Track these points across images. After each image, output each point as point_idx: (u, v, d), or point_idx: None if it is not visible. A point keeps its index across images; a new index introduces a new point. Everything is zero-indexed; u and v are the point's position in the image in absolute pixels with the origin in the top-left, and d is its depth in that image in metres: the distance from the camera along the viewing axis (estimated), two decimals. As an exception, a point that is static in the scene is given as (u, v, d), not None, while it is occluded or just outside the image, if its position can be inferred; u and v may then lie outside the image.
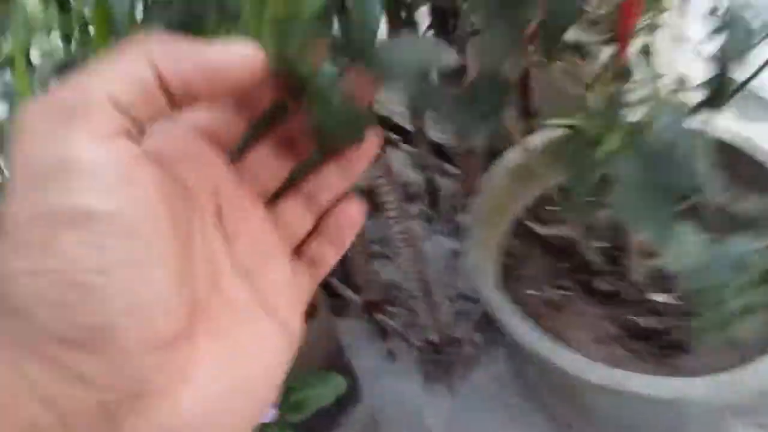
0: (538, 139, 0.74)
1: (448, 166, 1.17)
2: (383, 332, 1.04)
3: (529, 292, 0.78)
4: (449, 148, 1.19)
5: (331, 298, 1.04)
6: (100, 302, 0.18)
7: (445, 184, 1.23)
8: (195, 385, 0.21)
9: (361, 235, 0.92)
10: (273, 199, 0.28)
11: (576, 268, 0.80)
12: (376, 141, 0.29)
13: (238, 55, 0.22)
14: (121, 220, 0.19)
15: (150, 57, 0.20)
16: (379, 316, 1.02)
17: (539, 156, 0.73)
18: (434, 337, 0.94)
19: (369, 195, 1.28)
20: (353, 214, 0.29)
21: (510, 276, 0.80)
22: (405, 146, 1.22)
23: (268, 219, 0.27)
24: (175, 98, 0.21)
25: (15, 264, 0.18)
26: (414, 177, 1.21)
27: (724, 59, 0.39)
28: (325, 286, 0.93)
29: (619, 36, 0.44)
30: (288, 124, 0.28)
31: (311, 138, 0.28)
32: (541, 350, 0.63)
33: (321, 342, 0.95)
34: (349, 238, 0.30)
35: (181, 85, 0.21)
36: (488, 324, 1.01)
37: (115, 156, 0.19)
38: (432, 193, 1.19)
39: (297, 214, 0.28)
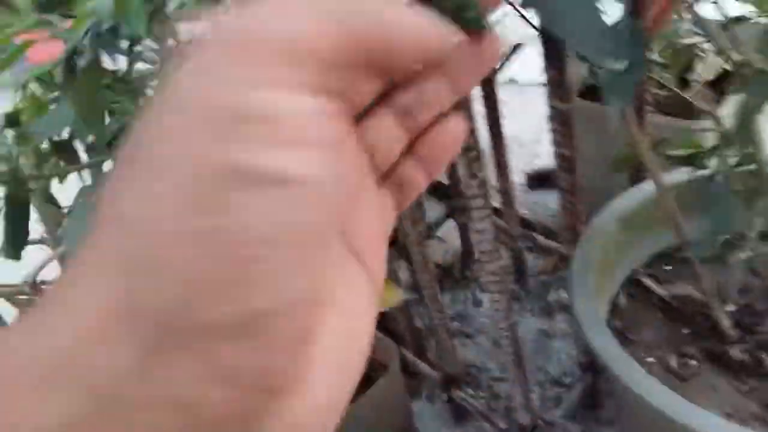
0: (665, 179, 0.65)
1: (539, 239, 1.08)
2: (459, 415, 0.92)
3: (647, 359, 0.66)
4: (539, 222, 1.12)
5: (404, 375, 0.94)
6: (267, 284, 0.15)
7: (533, 262, 1.15)
8: (321, 374, 0.18)
9: (441, 310, 0.84)
10: (362, 116, 0.22)
11: (702, 333, 0.68)
12: (496, 45, 0.22)
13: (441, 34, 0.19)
14: (319, 191, 0.16)
15: (339, 22, 0.17)
16: (459, 394, 0.90)
17: (660, 201, 0.64)
18: (524, 420, 0.82)
19: (448, 270, 1.21)
20: (455, 132, 0.24)
21: (623, 341, 0.69)
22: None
23: (356, 141, 0.22)
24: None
25: (172, 225, 0.15)
26: (502, 253, 1.13)
27: None
28: (400, 362, 0.84)
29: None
30: None
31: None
32: (673, 410, 0.51)
33: (392, 418, 0.84)
34: (445, 162, 0.24)
35: (384, 49, 0.18)
36: (583, 410, 0.88)
37: (325, 116, 0.16)
38: (520, 269, 1.10)
39: (389, 134, 0.23)
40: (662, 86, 1.00)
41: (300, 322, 0.16)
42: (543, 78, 0.63)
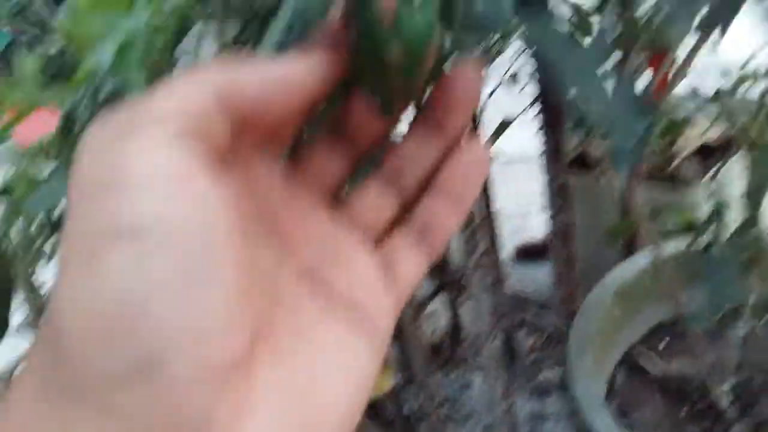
0: (662, 251, 0.64)
1: (529, 315, 1.07)
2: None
3: (646, 439, 0.64)
4: (529, 297, 1.11)
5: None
6: (147, 327, 0.16)
7: (524, 339, 1.13)
8: (259, 421, 0.18)
9: (432, 396, 0.81)
10: (343, 190, 0.25)
11: (701, 412, 0.66)
12: (474, 76, 0.23)
13: (304, 66, 0.21)
14: (172, 232, 0.17)
15: (213, 79, 0.19)
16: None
17: (657, 273, 0.64)
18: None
19: (437, 349, 1.19)
20: (475, 160, 0.24)
21: (623, 421, 0.67)
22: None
23: (334, 217, 0.24)
24: (245, 120, 0.20)
25: (62, 288, 0.17)
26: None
27: None
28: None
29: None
30: (347, 108, 0.24)
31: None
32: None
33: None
34: (473, 194, 0.24)
35: (251, 103, 0.20)
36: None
37: (172, 161, 0.17)
38: (511, 346, 1.08)
39: (373, 202, 0.24)
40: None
41: (192, 361, 0.16)
42: (530, 152, 0.64)
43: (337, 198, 0.25)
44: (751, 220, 0.39)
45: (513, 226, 1.50)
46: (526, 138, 0.62)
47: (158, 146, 0.18)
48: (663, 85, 0.41)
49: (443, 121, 0.24)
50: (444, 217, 0.24)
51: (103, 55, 0.26)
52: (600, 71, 0.29)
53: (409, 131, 0.24)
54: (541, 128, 0.61)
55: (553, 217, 0.64)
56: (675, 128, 0.63)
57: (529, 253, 1.36)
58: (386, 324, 0.23)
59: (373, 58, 0.22)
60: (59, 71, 0.47)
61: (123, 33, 0.26)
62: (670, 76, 0.42)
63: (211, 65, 0.20)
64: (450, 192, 0.24)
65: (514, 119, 0.85)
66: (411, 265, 0.24)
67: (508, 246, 1.40)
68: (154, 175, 0.17)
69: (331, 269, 0.23)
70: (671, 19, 0.31)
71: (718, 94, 0.46)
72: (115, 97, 0.38)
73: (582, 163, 0.98)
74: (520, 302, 1.10)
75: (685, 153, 0.89)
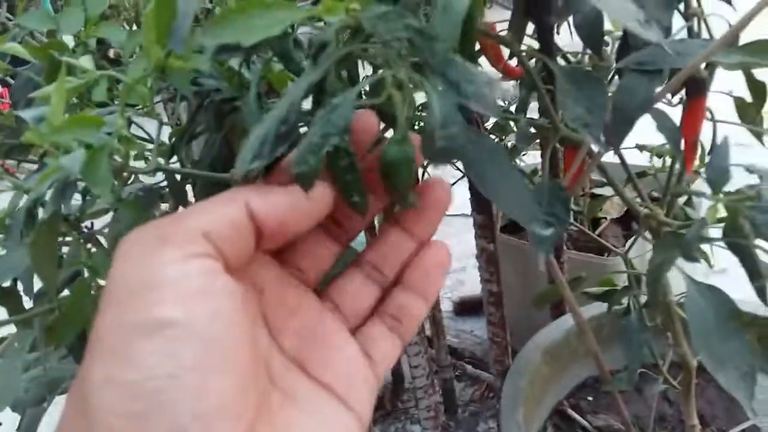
0: (583, 315, 0.69)
1: (467, 367, 1.10)
2: None
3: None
4: (467, 350, 1.14)
5: None
6: (169, 409, 0.19)
7: (462, 391, 1.16)
8: None
9: None
10: (324, 282, 0.29)
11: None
12: (443, 191, 0.28)
13: (318, 194, 0.25)
14: (194, 328, 0.20)
15: (246, 201, 0.23)
16: None
17: (582, 334, 0.68)
18: None
19: (379, 401, 1.20)
20: (437, 257, 0.28)
21: (552, 474, 0.70)
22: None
23: (319, 305, 0.27)
24: (266, 235, 0.24)
25: (95, 373, 0.20)
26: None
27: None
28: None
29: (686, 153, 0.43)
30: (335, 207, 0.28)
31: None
32: None
33: None
34: (436, 286, 0.28)
35: (276, 225, 0.24)
36: None
37: (194, 271, 0.21)
38: (450, 399, 1.11)
39: (355, 291, 0.28)
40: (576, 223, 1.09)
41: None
42: (467, 210, 0.68)
43: (324, 286, 0.29)
44: (653, 296, 0.44)
45: (453, 281, 1.54)
46: (465, 194, 0.66)
47: (185, 259, 0.21)
48: (578, 176, 0.46)
49: (416, 226, 0.28)
50: (413, 308, 0.28)
51: (73, 161, 0.29)
52: (513, 172, 0.33)
53: (388, 230, 0.29)
54: (473, 202, 0.65)
55: (484, 281, 0.69)
56: (595, 207, 0.69)
57: (467, 307, 1.40)
58: (369, 401, 0.27)
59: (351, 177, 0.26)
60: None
61: (93, 142, 0.29)
62: (584, 167, 0.47)
63: (239, 190, 0.24)
64: (416, 287, 0.28)
65: (456, 182, 0.90)
66: (387, 349, 0.28)
67: (448, 300, 1.44)
68: (183, 281, 0.21)
69: (317, 353, 0.26)
70: (581, 128, 0.36)
71: (630, 177, 0.51)
72: (84, 192, 0.41)
73: (514, 227, 1.04)
74: (459, 355, 1.13)
75: (608, 221, 0.95)
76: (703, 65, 0.45)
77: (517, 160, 0.75)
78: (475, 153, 0.32)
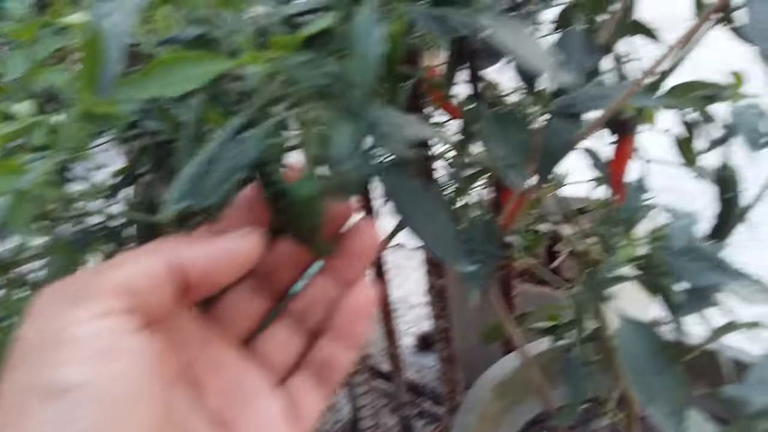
0: (529, 351, 0.70)
1: (427, 406, 1.10)
2: None
3: None
4: (428, 386, 1.14)
5: None
6: None
7: (422, 428, 1.15)
8: None
9: None
10: (254, 335, 0.28)
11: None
12: (370, 234, 0.28)
13: (246, 244, 0.24)
14: (96, 391, 0.19)
15: (169, 253, 0.23)
16: None
17: (529, 370, 0.69)
18: None
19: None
20: (362, 301, 0.28)
21: None
22: (380, 386, 1.16)
23: (244, 360, 0.27)
24: (191, 287, 0.23)
25: None
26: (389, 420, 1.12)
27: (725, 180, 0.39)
28: None
29: (614, 184, 0.44)
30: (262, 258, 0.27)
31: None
32: None
33: None
34: (358, 331, 0.28)
35: (200, 276, 0.23)
36: None
37: (105, 330, 0.20)
38: (409, 436, 1.10)
39: (282, 342, 0.28)
40: (536, 256, 1.10)
41: None
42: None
43: (248, 339, 0.28)
44: (579, 334, 0.45)
45: (415, 315, 1.54)
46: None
47: (97, 317, 0.20)
48: (513, 213, 0.48)
49: (342, 272, 0.28)
50: (339, 357, 0.28)
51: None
52: (438, 210, 0.33)
53: (315, 277, 0.28)
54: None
55: (434, 317, 0.69)
56: (536, 241, 0.71)
57: (430, 342, 1.40)
58: None
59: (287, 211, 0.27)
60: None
61: (15, 190, 0.29)
62: (520, 205, 0.48)
63: (162, 242, 0.24)
64: (341, 334, 0.28)
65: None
66: (313, 402, 0.27)
67: (410, 335, 1.44)
68: (91, 340, 0.20)
69: (240, 411, 0.25)
70: (504, 168, 0.37)
71: (569, 215, 0.52)
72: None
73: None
74: (419, 391, 1.13)
75: (565, 254, 0.97)
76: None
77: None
78: (400, 192, 0.33)
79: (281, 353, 0.28)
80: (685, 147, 0.49)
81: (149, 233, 0.41)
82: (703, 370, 0.66)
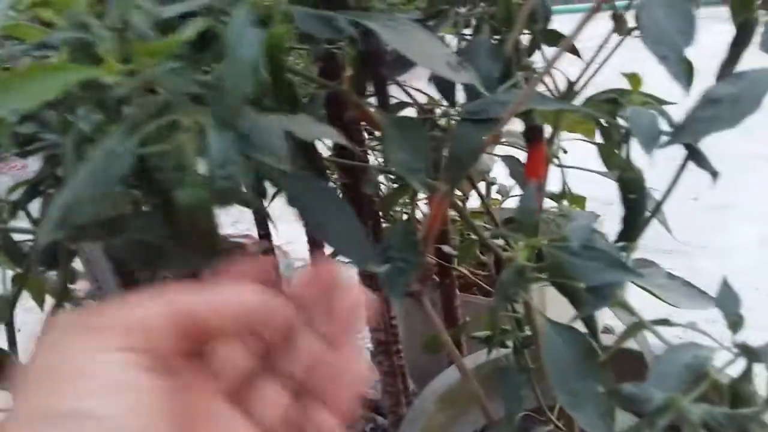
0: (467, 361, 0.69)
1: (380, 419, 1.08)
2: None
3: None
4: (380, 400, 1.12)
5: None
6: None
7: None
8: None
9: None
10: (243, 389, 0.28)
11: None
12: (357, 296, 0.28)
13: (245, 293, 0.25)
14: (110, 423, 0.20)
15: (174, 297, 0.24)
16: None
17: (471, 382, 0.68)
18: None
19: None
20: (345, 365, 0.28)
21: None
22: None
23: (234, 414, 0.27)
24: (192, 334, 0.24)
25: None
26: None
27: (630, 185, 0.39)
28: None
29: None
30: None
31: None
32: None
33: None
34: (344, 395, 0.27)
35: (201, 323, 0.24)
36: None
37: (116, 365, 0.21)
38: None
39: (271, 398, 0.27)
40: (483, 266, 1.10)
41: None
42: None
43: (237, 392, 0.27)
44: (497, 337, 0.44)
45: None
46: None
47: (112, 351, 0.21)
48: (434, 221, 0.47)
49: (332, 335, 0.28)
50: (324, 421, 0.27)
51: None
52: (346, 214, 0.33)
53: (302, 336, 0.28)
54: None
55: (372, 330, 0.68)
56: (470, 250, 0.71)
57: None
58: None
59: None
60: None
61: None
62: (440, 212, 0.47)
63: (170, 286, 0.24)
64: (326, 396, 0.27)
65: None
66: None
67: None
68: (104, 373, 0.21)
69: None
70: (404, 172, 0.36)
71: (497, 226, 0.52)
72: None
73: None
74: (376, 408, 1.12)
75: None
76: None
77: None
78: (306, 196, 0.32)
79: (270, 409, 0.27)
80: (605, 153, 0.49)
81: (51, 252, 0.40)
82: (635, 370, 0.66)
